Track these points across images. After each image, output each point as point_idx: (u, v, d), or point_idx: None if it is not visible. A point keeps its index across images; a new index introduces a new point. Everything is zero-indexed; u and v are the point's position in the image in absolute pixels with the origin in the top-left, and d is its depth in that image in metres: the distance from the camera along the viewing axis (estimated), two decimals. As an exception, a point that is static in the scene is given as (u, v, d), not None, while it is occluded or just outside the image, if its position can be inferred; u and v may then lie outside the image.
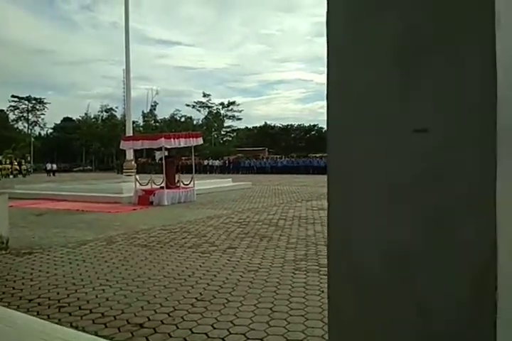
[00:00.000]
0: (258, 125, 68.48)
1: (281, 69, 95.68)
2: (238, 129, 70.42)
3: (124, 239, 7.57)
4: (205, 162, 41.98)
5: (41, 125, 71.02)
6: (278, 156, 43.69)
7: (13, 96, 67.78)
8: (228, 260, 5.79)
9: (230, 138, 69.87)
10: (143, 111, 66.84)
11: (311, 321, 3.56)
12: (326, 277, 0.89)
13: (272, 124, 66.47)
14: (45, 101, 69.80)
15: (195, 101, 68.73)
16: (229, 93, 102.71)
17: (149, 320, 3.70)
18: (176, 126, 61.61)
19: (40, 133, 71.85)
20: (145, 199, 13.40)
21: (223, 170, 40.11)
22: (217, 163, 42.12)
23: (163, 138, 13.41)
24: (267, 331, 3.41)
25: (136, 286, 4.66)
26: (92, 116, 69.52)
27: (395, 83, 0.69)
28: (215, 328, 3.50)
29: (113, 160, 59.95)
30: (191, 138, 14.37)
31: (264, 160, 41.65)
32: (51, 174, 42.22)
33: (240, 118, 69.53)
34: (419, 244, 0.69)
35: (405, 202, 0.72)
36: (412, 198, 0.71)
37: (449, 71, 0.64)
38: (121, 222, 9.63)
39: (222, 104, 68.34)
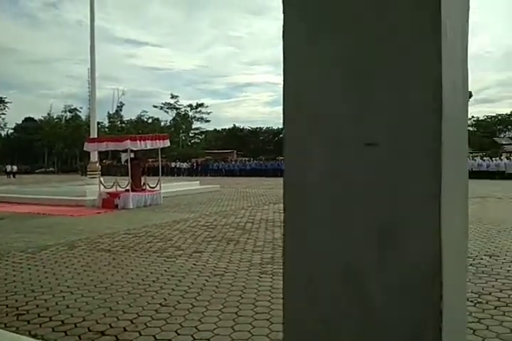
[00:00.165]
0: (227, 127, 68.33)
1: (250, 71, 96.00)
2: (207, 131, 70.00)
3: (87, 243, 7.39)
4: (173, 164, 41.44)
5: (1, 125, 68.40)
6: (247, 159, 43.74)
7: (-29, 94, 65.01)
8: (194, 264, 5.74)
9: (199, 141, 69.41)
10: (108, 112, 65.47)
11: (276, 325, 3.58)
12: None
13: (241, 127, 66.51)
14: (5, 100, 67.29)
15: (163, 102, 67.87)
16: (197, 94, 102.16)
17: (111, 327, 3.62)
18: (142, 127, 60.60)
19: (0, 134, 69.25)
20: (109, 202, 13.13)
21: (191, 172, 39.74)
22: (185, 165, 41.66)
23: (128, 140, 13.19)
24: (232, 336, 3.41)
25: (98, 292, 4.56)
26: (56, 117, 67.54)
27: (346, 102, 0.71)
28: (179, 334, 3.46)
29: (77, 161, 58.33)
30: (158, 140, 14.19)
31: (233, 162, 41.58)
32: (11, 176, 40.69)
33: (208, 121, 69.20)
34: (371, 253, 0.71)
35: (358, 212, 0.74)
36: (365, 208, 0.73)
37: (393, 93, 0.67)
38: (84, 226, 9.40)
39: (190, 105, 67.83)
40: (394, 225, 0.69)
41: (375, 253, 0.71)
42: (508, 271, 5.21)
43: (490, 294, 4.33)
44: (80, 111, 66.32)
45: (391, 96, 0.68)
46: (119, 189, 13.85)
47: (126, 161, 14.18)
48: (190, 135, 70.18)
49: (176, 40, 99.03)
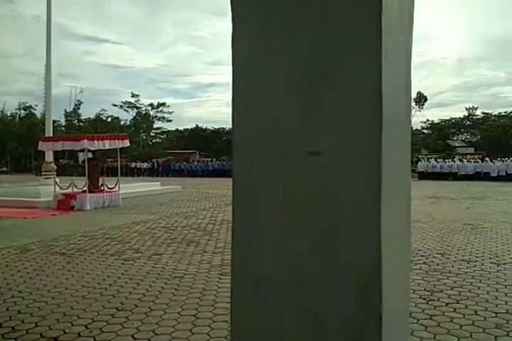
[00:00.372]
0: (189, 127, 67.56)
1: (213, 72, 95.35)
2: (168, 131, 68.92)
3: (41, 246, 7.12)
4: (133, 164, 40.58)
5: (-51, 122, 64.73)
6: (209, 159, 43.46)
7: None
8: (153, 267, 5.65)
9: (160, 140, 68.24)
10: (66, 110, 63.31)
11: (235, 327, 3.57)
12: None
13: (204, 127, 65.99)
14: (-46, 96, 63.73)
15: (123, 101, 66.29)
16: (159, 94, 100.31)
17: (65, 333, 3.51)
18: (101, 126, 58.92)
19: None
20: (65, 203, 12.70)
21: (152, 173, 39.04)
22: (145, 165, 40.88)
23: (86, 140, 12.81)
24: (190, 339, 3.38)
25: (51, 297, 4.40)
26: (9, 114, 64.64)
27: (293, 112, 0.72)
28: (135, 339, 3.40)
29: (31, 161, 56.01)
30: (117, 140, 13.86)
31: (195, 163, 41.21)
32: (-41, 176, 38.67)
33: (170, 120, 68.13)
34: (313, 262, 0.72)
35: (301, 217, 0.75)
36: (307, 214, 0.75)
37: (336, 103, 0.69)
38: (38, 228, 9.05)
39: (151, 104, 66.60)
40: (336, 232, 0.71)
41: (316, 261, 0.73)
42: (459, 269, 5.44)
43: (441, 291, 4.51)
44: (36, 109, 63.67)
45: (333, 106, 0.70)
46: (75, 190, 13.43)
47: (84, 161, 13.76)
48: (152, 135, 68.94)
49: (137, 39, 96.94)
